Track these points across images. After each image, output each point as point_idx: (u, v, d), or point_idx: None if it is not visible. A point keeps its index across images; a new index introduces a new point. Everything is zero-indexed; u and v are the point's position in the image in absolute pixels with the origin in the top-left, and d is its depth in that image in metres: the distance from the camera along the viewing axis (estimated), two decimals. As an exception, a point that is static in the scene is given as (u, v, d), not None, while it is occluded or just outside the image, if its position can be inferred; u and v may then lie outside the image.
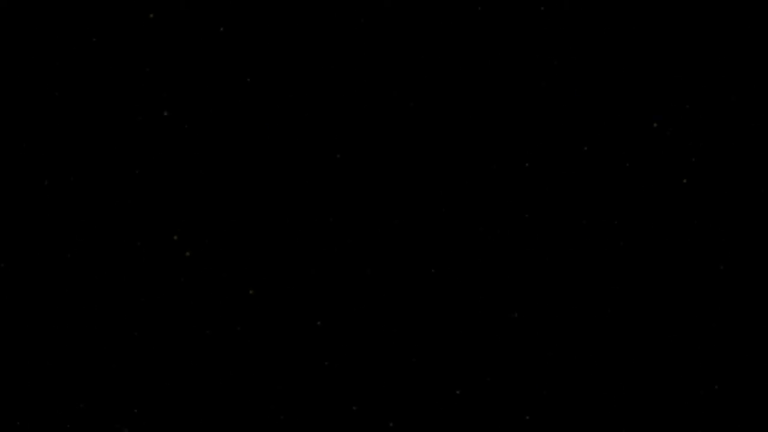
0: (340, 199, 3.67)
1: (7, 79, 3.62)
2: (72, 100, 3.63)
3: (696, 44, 3.70)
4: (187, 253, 3.62)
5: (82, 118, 3.64)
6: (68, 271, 3.61)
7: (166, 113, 3.63)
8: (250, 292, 3.64)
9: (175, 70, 3.65)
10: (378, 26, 3.68)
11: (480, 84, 3.69)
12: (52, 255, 3.62)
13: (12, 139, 3.62)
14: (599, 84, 3.69)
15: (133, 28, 3.65)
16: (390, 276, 3.66)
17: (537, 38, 3.69)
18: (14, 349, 3.59)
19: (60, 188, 3.63)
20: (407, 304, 3.66)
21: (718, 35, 3.69)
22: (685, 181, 3.68)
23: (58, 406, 3.59)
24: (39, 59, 3.64)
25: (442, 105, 3.69)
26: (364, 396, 3.64)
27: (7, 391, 3.58)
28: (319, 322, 3.64)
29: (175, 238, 3.63)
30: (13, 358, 3.59)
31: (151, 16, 3.59)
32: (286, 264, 3.65)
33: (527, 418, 3.64)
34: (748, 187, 3.67)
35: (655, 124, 3.67)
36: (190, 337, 3.62)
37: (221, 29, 3.65)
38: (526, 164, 3.68)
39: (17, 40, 3.63)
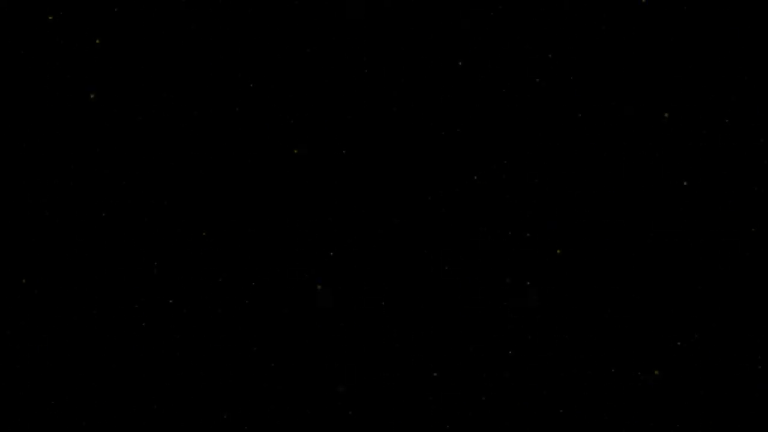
0: (342, 199, 3.68)
1: (13, 80, 3.63)
2: (77, 103, 3.64)
3: (693, 45, 3.70)
4: (197, 248, 3.64)
5: (86, 119, 3.65)
6: (73, 271, 3.62)
7: (166, 113, 3.64)
8: (253, 284, 3.65)
9: (180, 74, 3.67)
10: (378, 27, 3.68)
11: (479, 85, 3.69)
12: (56, 253, 3.63)
13: (17, 140, 3.63)
14: (597, 85, 3.69)
15: (136, 31, 3.66)
16: (390, 273, 3.66)
17: (536, 39, 3.70)
18: (17, 347, 3.60)
19: (65, 187, 3.64)
20: (406, 301, 3.67)
21: (716, 37, 3.70)
22: (685, 183, 3.69)
23: (61, 402, 3.60)
24: (45, 61, 3.65)
25: (441, 107, 3.69)
26: (364, 386, 3.65)
27: (8, 391, 3.59)
28: (322, 316, 3.65)
29: (184, 234, 3.64)
30: (16, 355, 3.60)
31: (156, 19, 3.60)
32: (290, 261, 3.66)
33: (523, 409, 3.65)
34: (746, 187, 3.68)
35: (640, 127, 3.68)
36: (193, 334, 3.63)
37: (224, 33, 3.66)
38: (523, 165, 3.68)
39: (27, 42, 3.64)
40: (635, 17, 3.69)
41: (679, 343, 3.67)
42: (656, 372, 3.66)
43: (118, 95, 3.65)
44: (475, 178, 3.68)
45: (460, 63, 3.68)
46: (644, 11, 3.68)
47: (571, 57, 3.69)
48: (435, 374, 3.65)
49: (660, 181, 3.68)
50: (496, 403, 3.65)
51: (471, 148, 3.69)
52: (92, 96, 3.63)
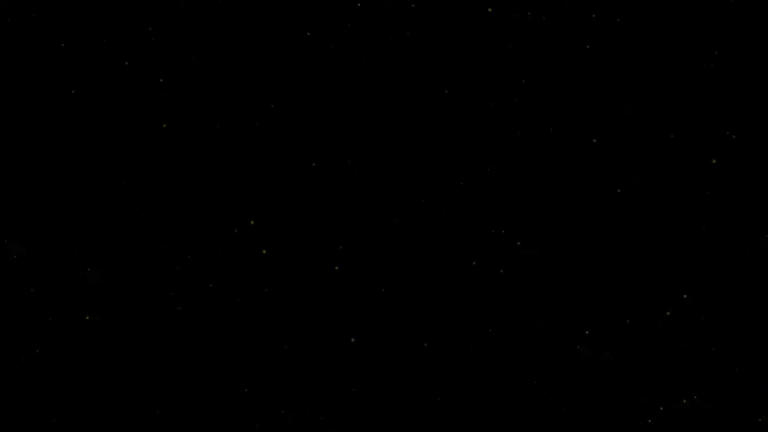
0: (342, 199, 3.68)
1: (13, 80, 3.63)
2: (87, 102, 3.65)
3: (692, 46, 3.72)
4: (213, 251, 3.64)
5: (96, 120, 3.66)
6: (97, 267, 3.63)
7: (175, 116, 3.65)
8: (265, 290, 3.66)
9: (180, 74, 3.67)
10: (378, 27, 3.69)
11: (479, 85, 3.70)
12: (55, 253, 3.63)
13: (30, 139, 3.63)
14: (597, 85, 3.70)
15: (136, 31, 3.67)
16: (390, 273, 3.67)
17: (536, 40, 3.71)
18: (22, 344, 3.60)
19: (64, 188, 3.64)
20: (406, 301, 3.67)
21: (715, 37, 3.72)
22: (679, 181, 3.70)
23: (75, 395, 3.60)
24: (55, 62, 3.66)
25: (441, 107, 3.70)
26: (366, 389, 3.65)
27: (10, 391, 3.59)
28: (322, 318, 3.65)
29: (183, 234, 3.65)
30: (23, 353, 3.60)
31: (156, 21, 3.61)
32: (290, 262, 3.67)
33: (522, 411, 3.65)
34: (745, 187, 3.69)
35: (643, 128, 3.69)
36: (193, 334, 3.63)
37: (224, 33, 3.67)
38: (523, 166, 3.69)
39: (35, 46, 3.64)
40: (634, 18, 3.71)
41: (678, 344, 3.67)
42: (657, 372, 3.66)
43: (118, 95, 3.65)
44: (475, 177, 3.69)
45: (459, 63, 3.69)
46: (643, 12, 3.70)
47: (571, 57, 3.70)
48: (435, 374, 3.65)
49: (660, 182, 3.69)
50: (496, 403, 3.65)
51: (471, 148, 3.69)
52: (94, 96, 3.63)
